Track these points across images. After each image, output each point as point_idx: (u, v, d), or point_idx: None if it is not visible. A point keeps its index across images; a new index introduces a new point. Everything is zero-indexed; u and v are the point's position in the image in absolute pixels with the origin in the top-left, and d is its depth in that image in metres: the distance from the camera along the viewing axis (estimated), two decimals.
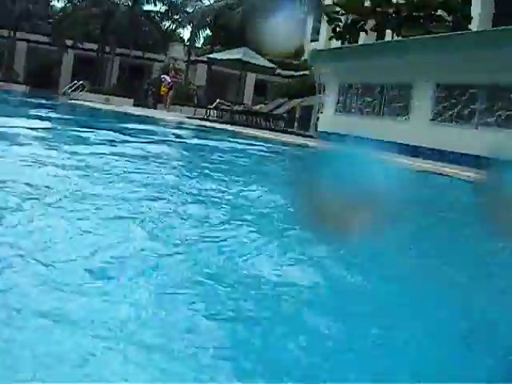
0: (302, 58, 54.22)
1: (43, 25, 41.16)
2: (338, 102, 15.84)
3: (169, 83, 23.64)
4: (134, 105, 33.37)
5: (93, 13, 37.97)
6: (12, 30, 39.84)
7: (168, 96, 23.96)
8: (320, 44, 52.96)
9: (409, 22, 23.40)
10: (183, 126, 12.69)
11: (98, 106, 10.02)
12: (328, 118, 16.27)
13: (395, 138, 13.36)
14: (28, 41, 42.12)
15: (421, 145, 12.48)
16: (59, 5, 43.69)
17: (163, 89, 24.01)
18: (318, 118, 17.07)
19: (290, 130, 21.65)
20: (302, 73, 39.97)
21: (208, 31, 41.36)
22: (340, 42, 29.27)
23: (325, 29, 52.07)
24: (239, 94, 28.38)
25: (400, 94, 13.35)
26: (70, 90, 28.77)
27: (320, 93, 16.85)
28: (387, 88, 13.70)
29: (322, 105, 16.69)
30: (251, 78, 35.75)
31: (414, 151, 12.44)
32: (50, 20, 42.22)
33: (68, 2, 42.03)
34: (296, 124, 23.97)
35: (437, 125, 12.18)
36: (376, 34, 30.76)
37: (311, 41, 52.65)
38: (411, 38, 13.28)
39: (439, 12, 23.25)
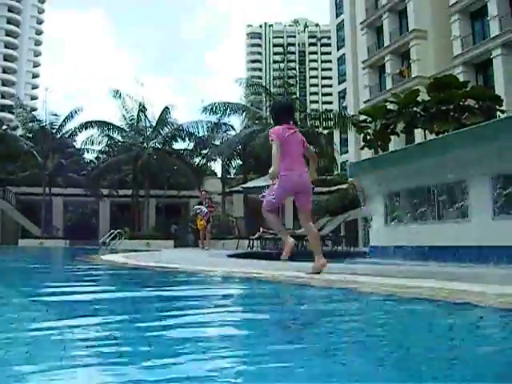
0: (335, 172, 54.35)
1: (76, 177, 42.00)
2: (387, 213, 14.76)
3: (206, 214, 20.39)
4: (175, 246, 32.88)
5: (123, 159, 38.52)
6: (47, 187, 40.53)
7: (206, 230, 20.77)
8: (350, 155, 53.35)
9: (439, 117, 22.90)
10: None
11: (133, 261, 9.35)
12: (379, 231, 15.14)
13: (457, 242, 12.12)
14: (63, 195, 42.90)
15: (483, 244, 11.21)
16: (90, 156, 44.76)
17: (200, 222, 20.64)
18: (367, 232, 15.98)
19: (338, 249, 20.64)
20: (337, 187, 39.56)
21: (239, 161, 41.55)
22: (373, 149, 28.97)
23: (353, 140, 52.71)
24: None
25: (455, 194, 12.25)
26: (108, 240, 28.42)
27: (365, 205, 15.85)
28: (440, 189, 12.63)
29: (370, 218, 15.61)
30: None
31: (480, 253, 11.18)
32: (83, 172, 43.03)
33: (100, 152, 42.93)
34: (343, 241, 22.86)
35: (502, 220, 10.97)
36: (405, 135, 30.31)
37: (341, 154, 52.91)
38: (458, 131, 12.35)
39: (467, 102, 22.82)
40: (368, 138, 26.17)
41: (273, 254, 16.37)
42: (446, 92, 22.87)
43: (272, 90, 37.17)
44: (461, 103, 22.90)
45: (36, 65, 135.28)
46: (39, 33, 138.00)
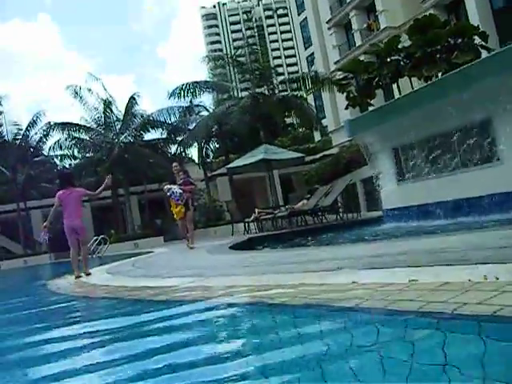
0: (317, 140, 52.69)
1: (51, 186, 39.95)
2: (398, 170, 13.07)
3: (180, 195, 14.22)
4: (165, 240, 31.14)
5: (95, 158, 36.44)
6: (21, 201, 38.48)
7: (186, 219, 14.59)
8: (328, 120, 51.60)
9: (426, 60, 21.26)
10: None
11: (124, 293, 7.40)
12: (391, 191, 13.46)
13: (488, 190, 10.52)
14: (41, 207, 40.67)
15: None
16: (64, 162, 42.58)
17: (176, 209, 14.48)
18: (370, 195, 14.31)
19: (344, 218, 18.94)
20: (322, 154, 37.84)
21: (216, 144, 39.68)
22: (357, 108, 27.27)
23: (329, 104, 50.93)
24: (272, 196, 25.87)
25: (481, 135, 10.57)
26: (93, 247, 26.49)
27: (371, 164, 14.13)
28: (461, 133, 10.94)
29: (378, 178, 13.91)
30: (276, 175, 33.48)
31: None
32: (58, 180, 40.78)
33: (71, 157, 40.55)
34: (341, 209, 20.90)
35: None
36: (383, 90, 28.58)
37: (319, 119, 51.09)
38: (481, 59, 10.60)
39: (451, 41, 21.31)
40: (351, 95, 24.43)
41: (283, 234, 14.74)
42: (430, 33, 21.18)
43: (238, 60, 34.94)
44: (446, 43, 21.32)
45: None
46: None
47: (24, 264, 34.37)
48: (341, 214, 19.42)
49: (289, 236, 14.38)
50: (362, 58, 33.66)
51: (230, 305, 3.65)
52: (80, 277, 9.82)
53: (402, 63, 22.66)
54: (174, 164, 15.84)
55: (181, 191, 14.24)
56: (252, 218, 19.31)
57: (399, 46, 22.88)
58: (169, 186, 14.54)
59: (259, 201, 34.86)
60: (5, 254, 39.03)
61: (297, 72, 77.78)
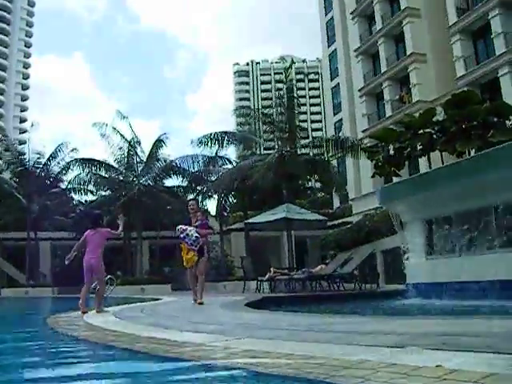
0: (336, 206, 52.20)
1: (64, 220, 39.57)
2: (429, 243, 12.41)
3: (196, 240, 11.84)
4: (173, 289, 30.35)
5: (111, 197, 36.07)
6: (32, 231, 38.02)
7: (198, 269, 12.22)
8: (349, 186, 51.16)
9: (460, 136, 20.79)
10: None
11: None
12: (418, 265, 12.79)
13: None
14: (52, 239, 40.15)
15: None
16: (80, 197, 42.32)
17: (187, 256, 11.99)
18: (398, 266, 13.65)
19: (362, 288, 18.18)
20: (342, 221, 37.28)
21: (233, 199, 39.34)
22: (383, 177, 26.77)
23: (351, 170, 50.58)
24: (289, 256, 25.14)
25: None
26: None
27: (400, 234, 13.51)
28: (499, 209, 10.33)
29: (406, 249, 13.25)
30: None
31: None
32: (73, 214, 40.58)
33: (89, 192, 40.17)
34: (357, 279, 20.09)
35: None
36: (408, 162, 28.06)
37: (343, 185, 50.59)
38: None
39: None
40: (380, 164, 23.93)
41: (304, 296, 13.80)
42: (467, 108, 20.76)
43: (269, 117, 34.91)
44: (482, 120, 20.90)
45: (23, 109, 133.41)
46: (26, 77, 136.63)
47: (25, 294, 33.63)
48: (359, 284, 18.67)
49: (305, 300, 13.66)
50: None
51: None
52: (85, 312, 10.06)
53: (434, 136, 22.25)
54: (191, 202, 13.40)
55: (197, 235, 11.87)
56: (267, 276, 18.61)
57: (433, 119, 22.50)
58: (183, 227, 12.09)
59: (272, 260, 34.17)
60: (7, 281, 38.37)
61: (321, 137, 77.83)
